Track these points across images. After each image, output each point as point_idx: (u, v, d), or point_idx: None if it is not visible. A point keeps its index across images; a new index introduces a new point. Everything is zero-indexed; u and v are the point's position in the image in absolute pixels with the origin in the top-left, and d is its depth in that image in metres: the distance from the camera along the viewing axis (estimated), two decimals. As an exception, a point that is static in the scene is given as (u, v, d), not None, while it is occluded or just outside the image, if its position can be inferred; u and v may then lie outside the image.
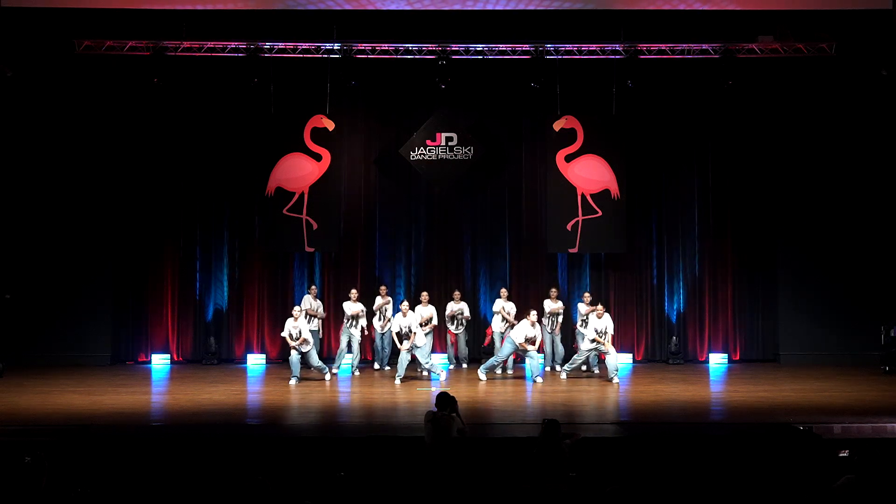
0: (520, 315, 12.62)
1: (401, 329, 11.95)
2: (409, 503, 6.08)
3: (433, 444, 6.94)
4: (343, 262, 14.32)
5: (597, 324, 12.11)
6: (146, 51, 13.15)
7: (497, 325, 13.03)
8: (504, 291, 13.22)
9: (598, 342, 11.94)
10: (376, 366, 13.14)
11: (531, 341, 11.71)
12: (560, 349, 13.23)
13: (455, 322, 13.30)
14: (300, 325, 11.69)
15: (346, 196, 14.30)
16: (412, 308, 12.45)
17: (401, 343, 11.93)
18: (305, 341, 11.64)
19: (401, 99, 14.21)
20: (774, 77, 13.86)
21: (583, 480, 6.25)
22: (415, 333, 11.70)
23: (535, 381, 11.53)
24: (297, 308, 12.11)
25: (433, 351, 13.17)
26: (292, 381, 11.49)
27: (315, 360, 11.77)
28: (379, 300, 13.06)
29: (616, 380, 11.68)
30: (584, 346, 12.13)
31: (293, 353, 11.61)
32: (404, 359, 11.70)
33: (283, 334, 11.88)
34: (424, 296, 13.10)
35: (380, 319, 13.02)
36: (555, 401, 10.46)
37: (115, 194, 13.86)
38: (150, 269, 14.20)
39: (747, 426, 8.77)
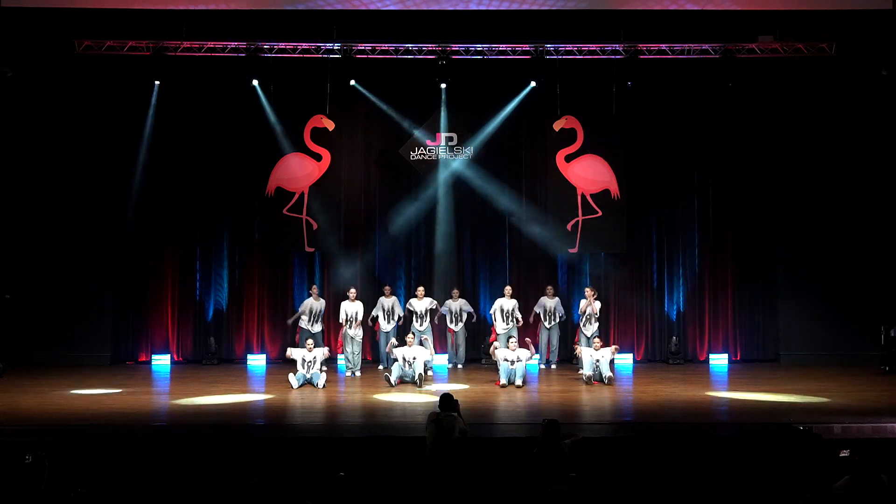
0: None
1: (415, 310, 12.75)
2: (409, 503, 6.08)
3: (435, 444, 6.94)
4: (343, 262, 14.31)
5: (584, 306, 12.90)
6: (146, 51, 13.17)
7: (500, 326, 13.02)
8: (508, 289, 13.20)
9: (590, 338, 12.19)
10: (380, 367, 13.14)
11: (511, 361, 11.54)
12: (555, 345, 13.36)
13: (454, 319, 13.32)
14: (314, 354, 11.60)
15: (346, 196, 14.31)
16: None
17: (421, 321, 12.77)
18: (317, 369, 11.56)
19: (401, 99, 14.20)
20: (774, 77, 13.86)
21: (583, 480, 6.25)
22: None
23: (516, 385, 11.32)
24: (310, 341, 11.87)
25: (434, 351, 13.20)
26: (294, 385, 11.39)
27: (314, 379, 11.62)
28: (384, 300, 13.09)
29: (606, 377, 11.53)
30: (585, 354, 11.99)
31: (298, 371, 11.50)
32: (397, 367, 11.63)
33: (295, 356, 11.67)
34: (420, 290, 13.14)
35: (385, 319, 13.04)
36: (554, 401, 10.46)
37: (115, 194, 13.85)
38: (150, 269, 14.21)
39: (747, 426, 8.77)
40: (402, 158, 14.10)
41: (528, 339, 12.15)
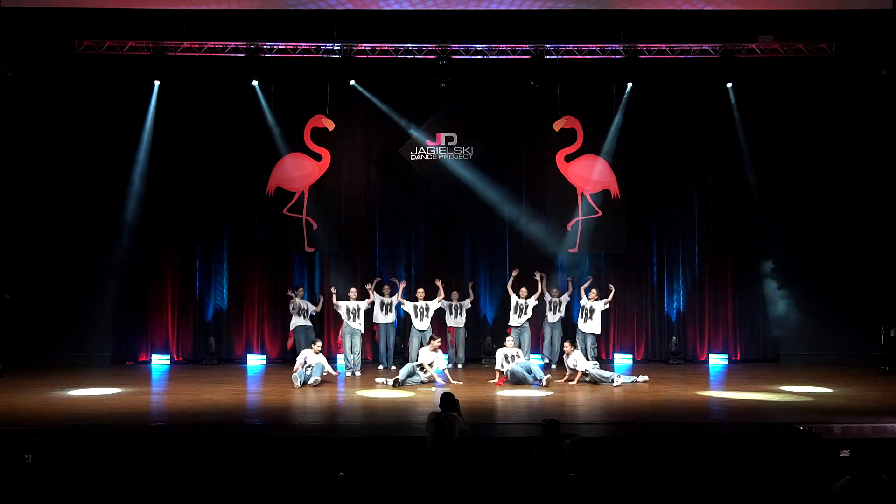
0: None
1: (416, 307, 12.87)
2: (409, 503, 6.08)
3: (435, 444, 6.94)
4: (343, 262, 14.31)
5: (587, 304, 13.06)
6: (146, 51, 13.18)
7: (514, 320, 13.14)
8: (524, 291, 13.24)
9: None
10: (381, 367, 13.15)
11: (510, 358, 11.71)
12: (556, 346, 13.39)
13: (454, 312, 13.35)
14: (317, 360, 11.61)
15: (346, 196, 14.31)
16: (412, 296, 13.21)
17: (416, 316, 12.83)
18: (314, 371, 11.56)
19: (401, 99, 14.20)
20: (774, 77, 13.85)
21: (583, 480, 6.25)
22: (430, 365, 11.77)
23: (540, 384, 11.44)
24: (319, 343, 11.85)
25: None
26: (297, 385, 11.39)
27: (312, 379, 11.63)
28: (384, 299, 13.15)
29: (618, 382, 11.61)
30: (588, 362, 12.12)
31: (299, 371, 11.50)
32: (407, 368, 11.67)
33: (299, 359, 11.64)
34: (420, 292, 13.14)
35: (383, 311, 13.09)
36: (554, 401, 10.46)
37: (115, 194, 13.83)
38: (150, 269, 14.21)
39: (747, 426, 8.77)
40: (402, 158, 14.10)
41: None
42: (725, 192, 14.44)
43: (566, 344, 12.16)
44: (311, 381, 11.30)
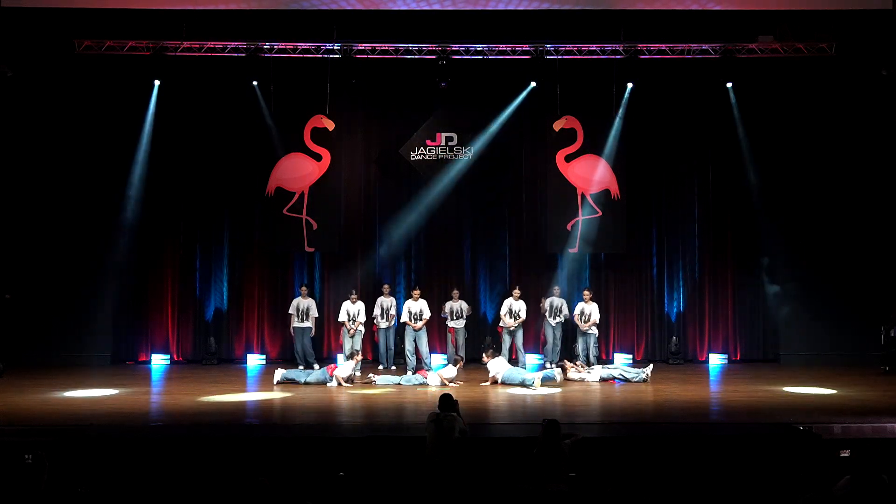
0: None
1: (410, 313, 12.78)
2: (409, 503, 6.08)
3: (435, 444, 6.94)
4: (343, 262, 14.32)
5: (585, 307, 13.10)
6: (146, 51, 13.18)
7: (506, 321, 13.10)
8: (517, 292, 13.16)
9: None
10: (380, 367, 13.16)
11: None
12: (557, 346, 13.40)
13: (454, 315, 13.34)
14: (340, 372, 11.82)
15: (346, 196, 14.31)
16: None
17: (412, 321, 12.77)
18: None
19: (401, 99, 14.20)
20: (774, 77, 13.86)
21: (583, 480, 6.25)
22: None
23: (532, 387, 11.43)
24: (359, 356, 12.19)
25: (433, 350, 13.23)
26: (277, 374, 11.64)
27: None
28: (383, 300, 13.12)
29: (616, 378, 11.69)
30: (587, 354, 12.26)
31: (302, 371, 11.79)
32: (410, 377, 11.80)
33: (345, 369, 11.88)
34: (416, 292, 13.12)
35: (384, 318, 13.06)
36: (554, 401, 10.46)
37: (115, 194, 13.83)
38: (150, 269, 14.22)
39: (747, 426, 8.77)
40: (402, 158, 14.10)
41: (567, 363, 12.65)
42: (725, 192, 14.44)
43: (564, 364, 12.44)
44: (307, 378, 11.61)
